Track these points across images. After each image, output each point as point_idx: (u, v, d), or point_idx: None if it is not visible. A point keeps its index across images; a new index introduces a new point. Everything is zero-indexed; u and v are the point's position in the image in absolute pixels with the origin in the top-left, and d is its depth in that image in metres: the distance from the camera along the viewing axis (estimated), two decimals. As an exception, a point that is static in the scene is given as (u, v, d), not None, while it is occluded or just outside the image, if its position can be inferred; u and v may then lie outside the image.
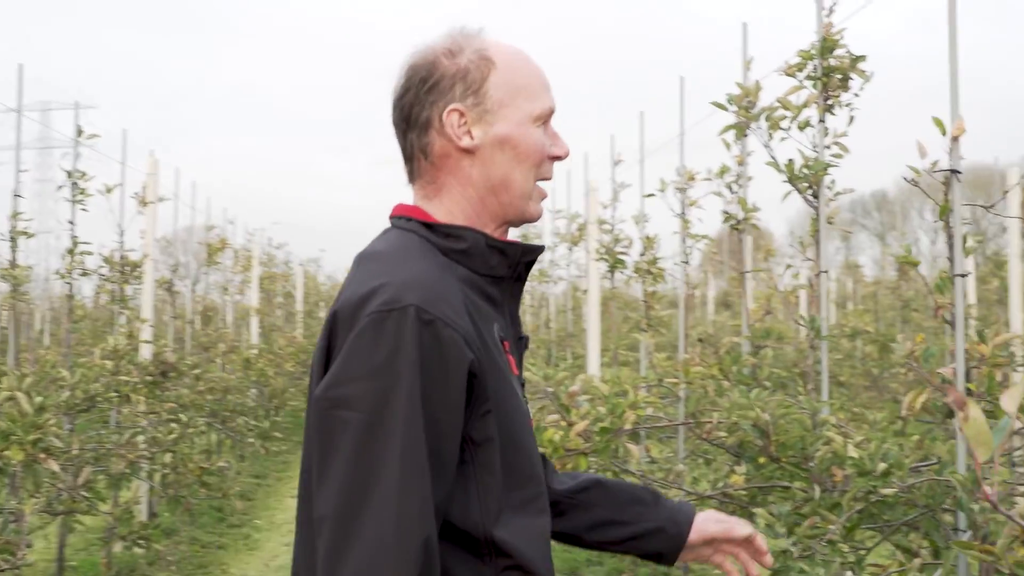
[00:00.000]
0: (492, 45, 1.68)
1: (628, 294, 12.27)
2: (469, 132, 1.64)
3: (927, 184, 2.94)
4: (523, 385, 1.72)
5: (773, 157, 4.03)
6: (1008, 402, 1.21)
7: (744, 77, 4.71)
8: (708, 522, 1.90)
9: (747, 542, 1.90)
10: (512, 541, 1.51)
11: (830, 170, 3.90)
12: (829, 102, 3.93)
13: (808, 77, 4.00)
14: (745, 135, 4.33)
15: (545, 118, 1.69)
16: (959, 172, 2.89)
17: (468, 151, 1.65)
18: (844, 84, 3.89)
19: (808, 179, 3.89)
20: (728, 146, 4.73)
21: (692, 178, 5.75)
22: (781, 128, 4.04)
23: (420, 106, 1.65)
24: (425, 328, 1.44)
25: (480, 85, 1.64)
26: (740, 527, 1.91)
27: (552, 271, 11.41)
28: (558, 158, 1.71)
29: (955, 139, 2.88)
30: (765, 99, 4.24)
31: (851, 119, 3.90)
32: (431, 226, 1.64)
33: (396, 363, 1.43)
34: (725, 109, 4.24)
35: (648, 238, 6.38)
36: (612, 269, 6.93)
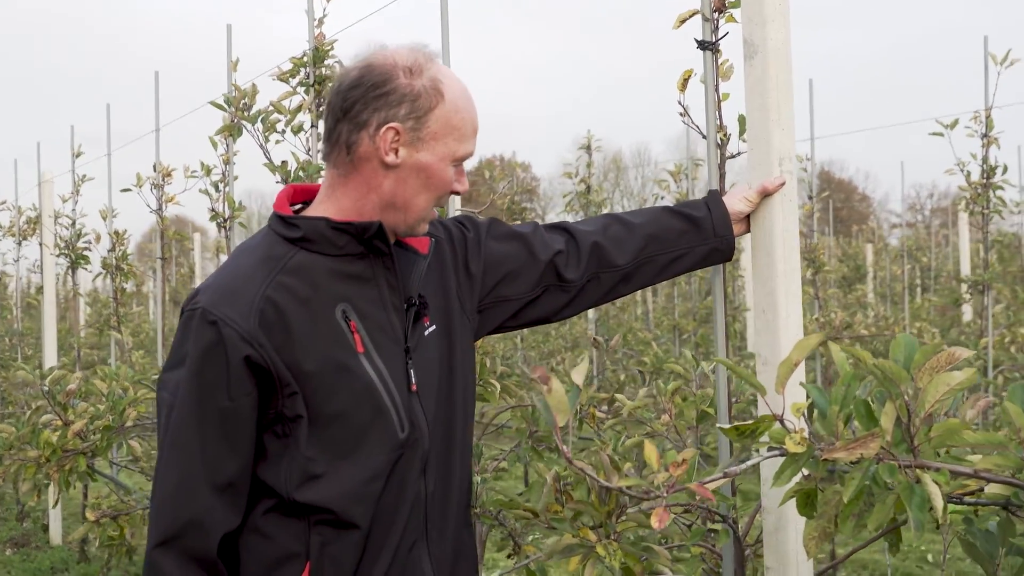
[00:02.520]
0: (446, 77, 1.79)
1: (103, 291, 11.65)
2: (396, 151, 1.76)
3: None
4: (408, 350, 1.84)
5: (269, 158, 4.18)
6: (576, 375, 1.52)
7: (229, 77, 4.80)
8: (739, 204, 2.18)
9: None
10: (321, 500, 1.74)
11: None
12: (322, 108, 4.17)
13: (301, 83, 4.22)
14: (240, 135, 4.42)
15: (463, 160, 1.82)
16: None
17: (389, 165, 1.78)
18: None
19: (304, 181, 4.10)
20: (216, 145, 4.80)
21: (169, 174, 5.69)
22: (276, 131, 4.21)
23: (363, 106, 1.76)
24: (209, 327, 1.72)
25: (425, 114, 1.76)
26: (754, 194, 2.17)
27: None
28: (457, 193, 1.86)
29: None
30: (260, 101, 4.38)
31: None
32: (283, 217, 1.80)
33: (186, 356, 1.74)
34: (224, 109, 4.30)
35: (118, 233, 6.18)
36: (74, 266, 6.61)
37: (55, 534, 7.09)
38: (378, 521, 1.79)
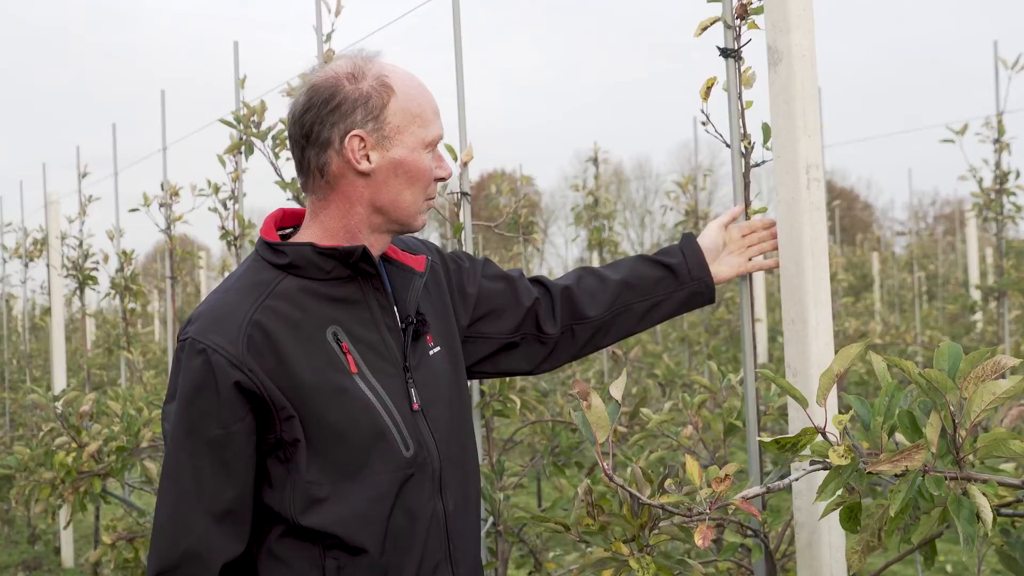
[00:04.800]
0: (391, 71, 1.76)
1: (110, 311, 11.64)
2: (367, 156, 1.75)
3: (440, 204, 3.27)
4: (407, 369, 1.82)
5: (280, 175, 4.16)
6: (615, 390, 1.49)
7: (237, 95, 4.79)
8: (713, 236, 2.20)
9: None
10: (326, 524, 1.70)
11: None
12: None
13: (311, 100, 4.20)
14: (252, 152, 4.40)
15: (434, 144, 1.79)
16: (468, 194, 3.24)
17: (364, 173, 1.77)
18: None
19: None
20: (224, 163, 4.79)
21: (176, 193, 5.67)
22: (288, 148, 4.18)
23: (321, 126, 1.74)
24: (198, 356, 1.71)
25: (380, 111, 1.74)
26: (725, 218, 2.22)
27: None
28: (442, 179, 1.83)
29: (464, 164, 3.22)
30: (269, 117, 4.36)
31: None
32: (269, 243, 1.79)
33: (179, 386, 1.73)
34: (234, 127, 4.29)
35: (126, 253, 6.16)
36: (82, 287, 6.59)
37: (67, 557, 7.05)
38: (391, 544, 1.76)
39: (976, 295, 7.83)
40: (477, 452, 2.04)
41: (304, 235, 1.85)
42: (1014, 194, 5.65)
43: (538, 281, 2.20)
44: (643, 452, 2.67)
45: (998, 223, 5.66)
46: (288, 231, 1.92)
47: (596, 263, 8.11)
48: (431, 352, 1.90)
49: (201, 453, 1.70)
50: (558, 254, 34.52)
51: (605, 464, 1.41)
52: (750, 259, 2.26)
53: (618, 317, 2.16)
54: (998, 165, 5.64)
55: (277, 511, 1.74)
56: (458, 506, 1.87)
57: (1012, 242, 6.43)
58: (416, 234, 2.04)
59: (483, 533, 2.97)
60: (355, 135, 1.76)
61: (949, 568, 6.17)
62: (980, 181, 5.71)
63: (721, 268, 2.23)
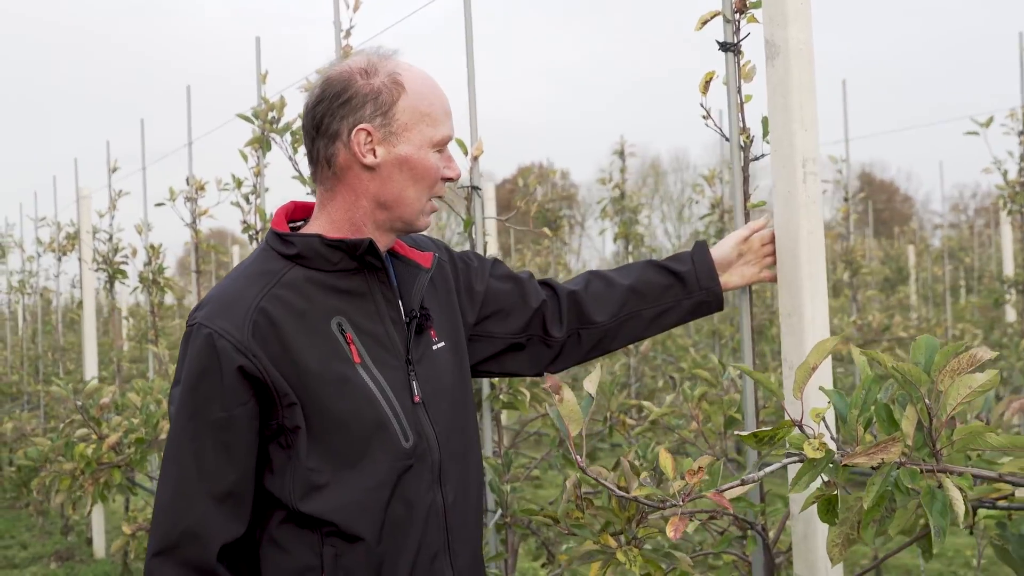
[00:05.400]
0: (404, 70, 1.81)
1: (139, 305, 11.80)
2: (373, 151, 1.79)
3: (450, 199, 3.28)
4: (409, 362, 1.85)
5: (298, 170, 4.20)
6: (589, 384, 1.50)
7: (259, 90, 4.84)
8: (728, 249, 2.19)
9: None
10: (324, 512, 1.74)
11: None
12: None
13: (329, 95, 4.23)
14: (269, 148, 4.45)
15: (443, 144, 1.83)
16: (479, 188, 3.27)
17: (369, 167, 1.80)
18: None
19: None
20: (246, 157, 4.84)
21: (202, 188, 5.74)
22: (305, 142, 4.22)
23: (331, 118, 1.79)
24: (204, 340, 1.74)
25: (389, 108, 1.78)
26: (742, 233, 2.20)
27: (33, 282, 10.66)
28: (450, 179, 1.87)
29: (475, 158, 3.24)
30: (288, 113, 4.40)
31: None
32: (279, 234, 1.83)
33: (184, 370, 1.77)
34: (252, 122, 4.33)
35: (153, 247, 6.24)
36: (112, 280, 6.69)
37: (98, 548, 7.16)
38: (388, 534, 1.78)
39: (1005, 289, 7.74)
40: (480, 447, 2.06)
41: (312, 227, 1.88)
42: (1039, 186, 5.60)
43: (547, 284, 2.21)
44: (649, 445, 2.68)
45: (1022, 216, 5.60)
46: (299, 224, 1.95)
47: (625, 257, 8.10)
48: (435, 347, 1.93)
49: (203, 435, 1.74)
50: (595, 247, 34.48)
51: (578, 457, 1.42)
52: (763, 270, 2.25)
53: (625, 323, 2.18)
54: (1023, 157, 5.58)
55: (278, 496, 1.78)
56: (458, 498, 1.89)
57: (1039, 235, 6.35)
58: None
59: (492, 525, 2.99)
60: (362, 128, 1.79)
61: (976, 563, 6.13)
62: (1005, 173, 5.65)
63: (732, 278, 2.22)
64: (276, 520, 1.79)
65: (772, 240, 2.20)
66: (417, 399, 1.85)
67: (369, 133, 1.80)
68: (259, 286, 1.79)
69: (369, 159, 1.81)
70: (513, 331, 2.13)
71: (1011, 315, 8.47)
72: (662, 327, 2.23)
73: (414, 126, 1.82)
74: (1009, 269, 9.44)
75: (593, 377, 1.49)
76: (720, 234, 7.82)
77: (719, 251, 2.21)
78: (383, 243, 1.90)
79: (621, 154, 8.21)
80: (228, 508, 1.76)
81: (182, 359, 1.80)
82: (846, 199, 6.77)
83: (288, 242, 1.83)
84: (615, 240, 8.26)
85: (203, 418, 1.74)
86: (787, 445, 1.53)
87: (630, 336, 2.21)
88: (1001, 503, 1.73)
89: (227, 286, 1.83)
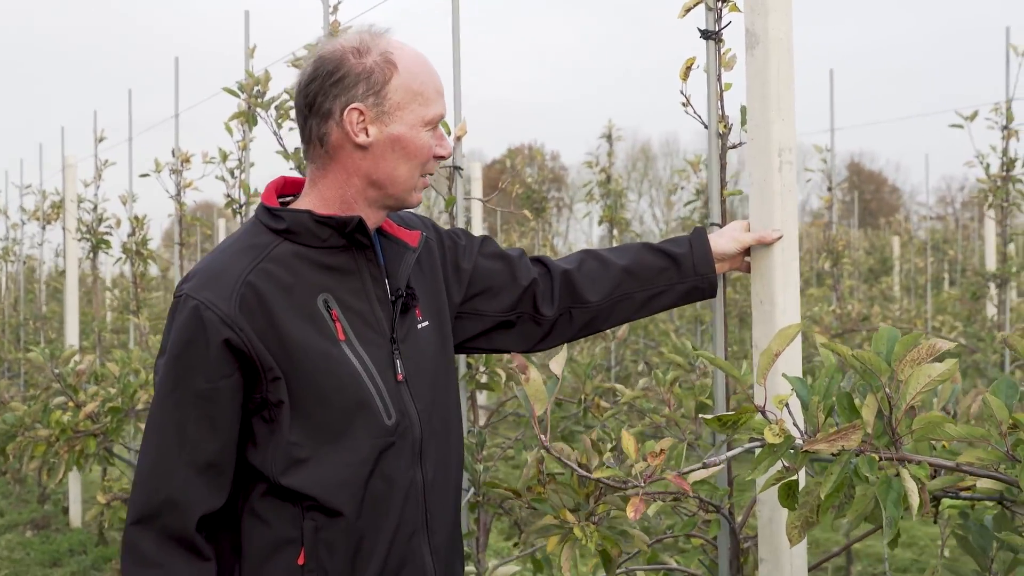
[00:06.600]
0: (396, 49, 1.81)
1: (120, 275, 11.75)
2: (366, 130, 1.79)
3: (433, 179, 3.29)
4: (394, 340, 1.86)
5: (282, 145, 4.20)
6: (555, 365, 1.52)
7: (247, 64, 4.82)
8: (727, 244, 2.16)
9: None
10: (305, 486, 1.76)
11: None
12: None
13: (316, 71, 4.22)
14: (255, 122, 4.44)
15: (434, 123, 1.84)
16: (461, 168, 3.27)
17: (362, 146, 1.80)
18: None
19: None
20: (231, 131, 4.83)
21: (188, 160, 5.72)
22: (290, 118, 4.22)
23: (324, 97, 1.79)
24: (191, 312, 1.75)
25: (381, 87, 1.78)
26: (747, 238, 2.16)
27: (16, 250, 10.63)
28: (441, 157, 1.88)
29: (458, 139, 3.25)
30: (274, 87, 4.40)
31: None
32: (269, 209, 1.83)
33: (170, 340, 1.78)
34: (237, 96, 4.32)
35: (137, 218, 6.23)
36: (95, 250, 6.68)
37: (75, 516, 7.17)
38: (368, 510, 1.80)
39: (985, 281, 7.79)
40: (462, 426, 2.07)
41: (302, 203, 1.89)
42: (1020, 181, 5.63)
43: (540, 261, 2.21)
44: (623, 427, 2.71)
45: (1003, 209, 5.63)
46: (288, 199, 1.96)
47: (610, 241, 8.12)
48: (419, 326, 1.94)
49: (186, 405, 1.75)
50: (583, 230, 34.47)
51: (542, 436, 1.44)
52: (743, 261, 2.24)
53: (617, 304, 2.18)
54: (1005, 152, 5.61)
55: (260, 469, 1.79)
56: (438, 477, 1.91)
57: (1017, 229, 6.38)
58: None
59: (464, 503, 3.01)
60: (354, 108, 1.79)
61: (923, 543, 6.20)
62: (987, 167, 5.68)
63: (725, 265, 2.23)
64: (257, 492, 1.81)
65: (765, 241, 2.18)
66: (400, 377, 1.86)
67: (361, 112, 1.80)
68: (248, 259, 1.79)
69: (361, 138, 1.81)
70: (502, 309, 2.13)
71: (991, 309, 8.53)
72: (654, 309, 2.23)
73: (406, 105, 1.82)
74: (991, 262, 9.50)
75: (559, 358, 1.51)
76: (703, 221, 7.84)
77: (716, 240, 2.20)
78: (373, 220, 1.90)
79: (609, 138, 8.21)
80: (209, 479, 1.77)
81: (168, 330, 1.81)
82: (830, 188, 6.80)
83: (278, 217, 1.84)
84: (599, 223, 8.27)
85: (187, 389, 1.75)
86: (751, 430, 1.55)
87: (621, 317, 2.21)
88: (964, 493, 1.76)
89: (215, 258, 1.83)
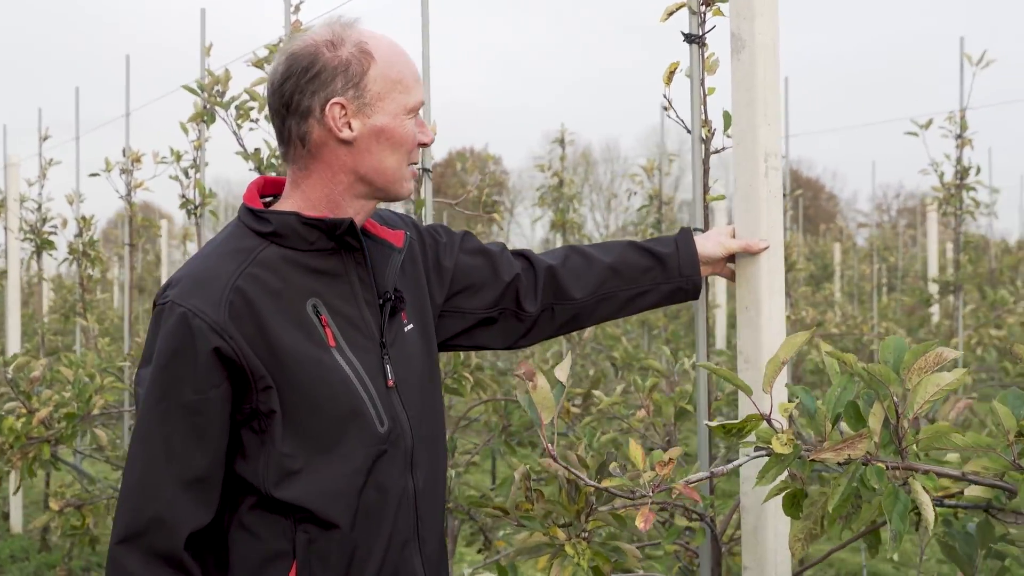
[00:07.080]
0: (370, 38, 1.74)
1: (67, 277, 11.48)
2: (349, 124, 1.73)
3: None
4: (384, 345, 1.80)
5: (242, 145, 4.12)
6: (560, 372, 1.49)
7: (203, 63, 4.73)
8: (713, 247, 2.13)
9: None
10: (299, 498, 1.69)
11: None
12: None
13: (276, 70, 4.15)
14: (214, 121, 4.36)
15: (416, 110, 1.77)
16: (430, 171, 3.23)
17: (346, 141, 1.75)
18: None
19: (277, 168, 4.05)
20: (187, 131, 4.73)
21: (139, 160, 5.61)
22: (250, 118, 4.14)
23: (301, 94, 1.72)
24: (178, 319, 1.67)
25: (360, 79, 1.72)
26: (734, 244, 2.12)
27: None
28: (425, 144, 1.82)
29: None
30: (233, 87, 4.31)
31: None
32: (253, 211, 1.76)
33: (155, 350, 1.70)
34: (197, 94, 4.24)
35: (85, 218, 6.09)
36: (39, 251, 6.51)
37: (16, 522, 6.98)
38: (362, 520, 1.75)
39: (934, 288, 7.92)
40: (446, 431, 2.03)
41: (286, 204, 1.82)
42: (974, 189, 5.72)
43: (523, 255, 2.16)
44: (595, 434, 2.68)
45: (957, 217, 5.73)
46: (269, 200, 1.89)
47: (554, 244, 8.12)
48: (406, 329, 1.89)
49: (174, 418, 1.68)
50: (523, 235, 34.53)
51: (550, 446, 1.41)
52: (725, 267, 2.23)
53: (601, 302, 2.14)
54: (959, 160, 5.70)
55: (250, 482, 1.72)
56: (427, 484, 1.86)
57: (970, 237, 6.48)
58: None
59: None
60: (336, 103, 1.73)
61: (896, 557, 6.24)
62: (941, 176, 5.77)
63: (709, 268, 2.20)
64: (246, 505, 1.74)
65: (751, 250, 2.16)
66: (391, 383, 1.81)
67: (343, 106, 1.74)
68: (234, 264, 1.72)
69: (345, 133, 1.75)
70: (484, 306, 2.09)
71: (937, 315, 8.68)
72: (637, 308, 2.20)
73: (387, 95, 1.77)
74: (934, 269, 9.67)
75: (564, 365, 1.48)
76: (657, 225, 7.87)
77: (702, 242, 2.17)
78: (363, 214, 1.85)
79: (561, 142, 8.21)
80: (197, 494, 1.69)
81: (152, 338, 1.72)
82: (785, 195, 6.85)
83: (263, 219, 1.77)
84: (552, 228, 8.26)
85: (174, 400, 1.67)
86: (755, 438, 1.53)
87: (604, 315, 2.18)
88: (948, 501, 1.75)
89: (200, 264, 1.76)
